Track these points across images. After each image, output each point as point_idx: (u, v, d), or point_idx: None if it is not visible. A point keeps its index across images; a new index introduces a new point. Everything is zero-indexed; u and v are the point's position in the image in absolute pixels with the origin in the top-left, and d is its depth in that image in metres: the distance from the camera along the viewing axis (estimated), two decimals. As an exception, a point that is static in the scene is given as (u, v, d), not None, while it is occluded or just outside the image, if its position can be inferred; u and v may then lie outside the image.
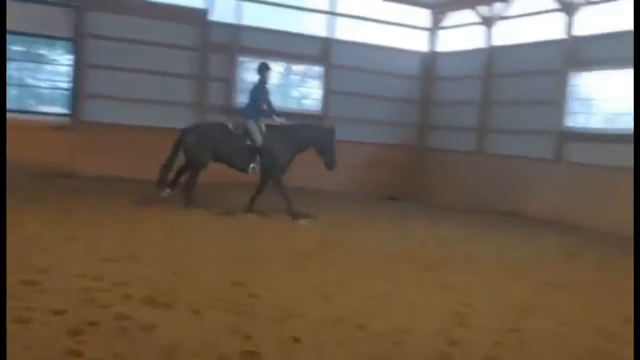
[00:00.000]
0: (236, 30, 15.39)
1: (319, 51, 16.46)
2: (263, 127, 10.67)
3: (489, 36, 16.00)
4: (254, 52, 15.60)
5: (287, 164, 10.83)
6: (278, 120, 10.80)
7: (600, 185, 12.06)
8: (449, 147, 16.67)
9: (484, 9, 16.06)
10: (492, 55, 15.90)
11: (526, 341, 5.03)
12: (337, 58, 16.50)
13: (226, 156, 10.69)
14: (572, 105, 13.89)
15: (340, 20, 16.66)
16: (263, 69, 10.93)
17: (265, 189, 10.90)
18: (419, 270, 7.31)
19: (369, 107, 16.81)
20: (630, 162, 11.83)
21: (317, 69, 16.75)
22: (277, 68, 16.72)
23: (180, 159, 10.80)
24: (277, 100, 16.58)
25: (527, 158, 14.29)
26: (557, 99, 13.90)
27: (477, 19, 16.31)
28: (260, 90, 10.82)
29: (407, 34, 17.64)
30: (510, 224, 11.90)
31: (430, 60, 17.83)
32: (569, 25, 13.75)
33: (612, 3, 13.02)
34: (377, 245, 8.79)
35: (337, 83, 16.50)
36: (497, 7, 15.71)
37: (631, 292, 6.96)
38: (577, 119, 13.88)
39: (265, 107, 10.81)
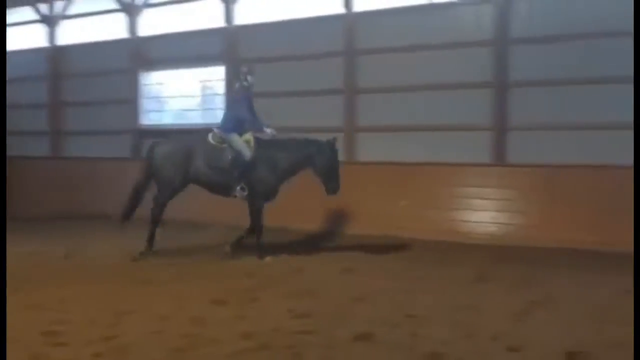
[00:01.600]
0: None
1: None
2: (252, 140, 8.56)
3: (52, 35, 15.34)
4: None
5: (274, 191, 8.76)
6: (269, 132, 8.57)
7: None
8: (22, 154, 15.44)
9: (44, 7, 15.32)
10: (58, 54, 15.31)
11: (125, 345, 5.01)
12: None
13: (206, 176, 8.59)
14: (146, 104, 14.33)
15: None
16: (243, 72, 8.72)
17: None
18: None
19: None
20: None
21: None
22: None
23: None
24: None
25: (108, 158, 14.22)
26: (130, 98, 14.15)
27: (38, 17, 15.49)
28: (242, 98, 8.67)
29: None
30: (99, 227, 11.53)
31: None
32: (133, 25, 14.09)
33: (172, 5, 13.80)
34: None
35: None
36: (58, 5, 15.16)
37: (221, 279, 7.62)
38: (152, 117, 14.40)
39: (250, 116, 8.61)
